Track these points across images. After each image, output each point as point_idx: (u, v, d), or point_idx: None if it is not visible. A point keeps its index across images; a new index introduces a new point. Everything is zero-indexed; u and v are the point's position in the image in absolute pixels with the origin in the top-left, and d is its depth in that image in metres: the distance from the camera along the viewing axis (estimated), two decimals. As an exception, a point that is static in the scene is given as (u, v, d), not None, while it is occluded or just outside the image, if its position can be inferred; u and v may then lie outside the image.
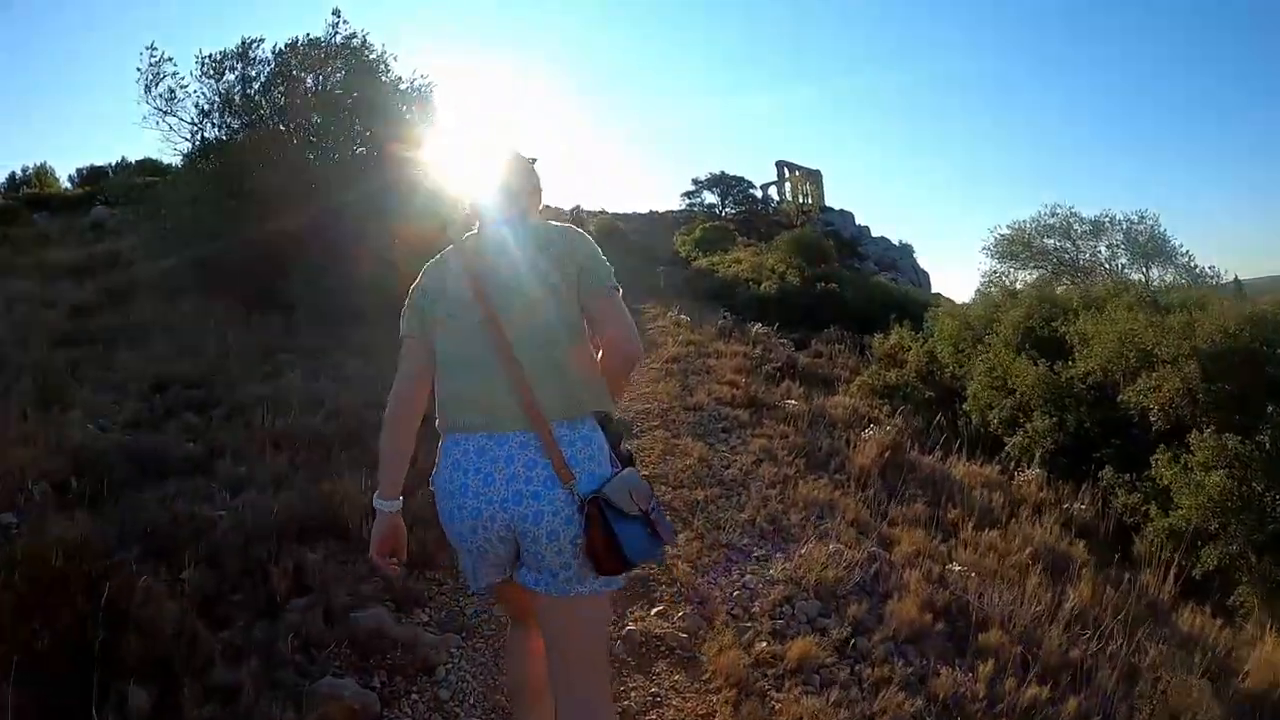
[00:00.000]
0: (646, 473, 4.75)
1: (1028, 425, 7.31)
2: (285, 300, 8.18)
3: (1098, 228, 16.30)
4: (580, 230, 1.79)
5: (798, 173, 53.04)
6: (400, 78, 10.24)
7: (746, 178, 49.88)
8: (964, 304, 11.43)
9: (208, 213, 8.77)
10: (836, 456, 5.55)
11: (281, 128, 9.41)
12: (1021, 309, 8.90)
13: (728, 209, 47.63)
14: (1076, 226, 16.38)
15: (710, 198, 48.51)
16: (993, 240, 16.63)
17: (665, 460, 5.26)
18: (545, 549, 1.57)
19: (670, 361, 8.38)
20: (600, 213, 32.82)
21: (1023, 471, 6.63)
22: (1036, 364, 7.56)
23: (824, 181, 54.13)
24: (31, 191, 18.78)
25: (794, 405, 6.87)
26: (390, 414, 1.73)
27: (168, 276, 8.79)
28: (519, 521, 1.56)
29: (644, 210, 42.43)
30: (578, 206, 32.12)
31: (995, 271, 16.50)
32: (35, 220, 15.09)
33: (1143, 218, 16.50)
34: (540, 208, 1.91)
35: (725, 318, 11.67)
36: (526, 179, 1.84)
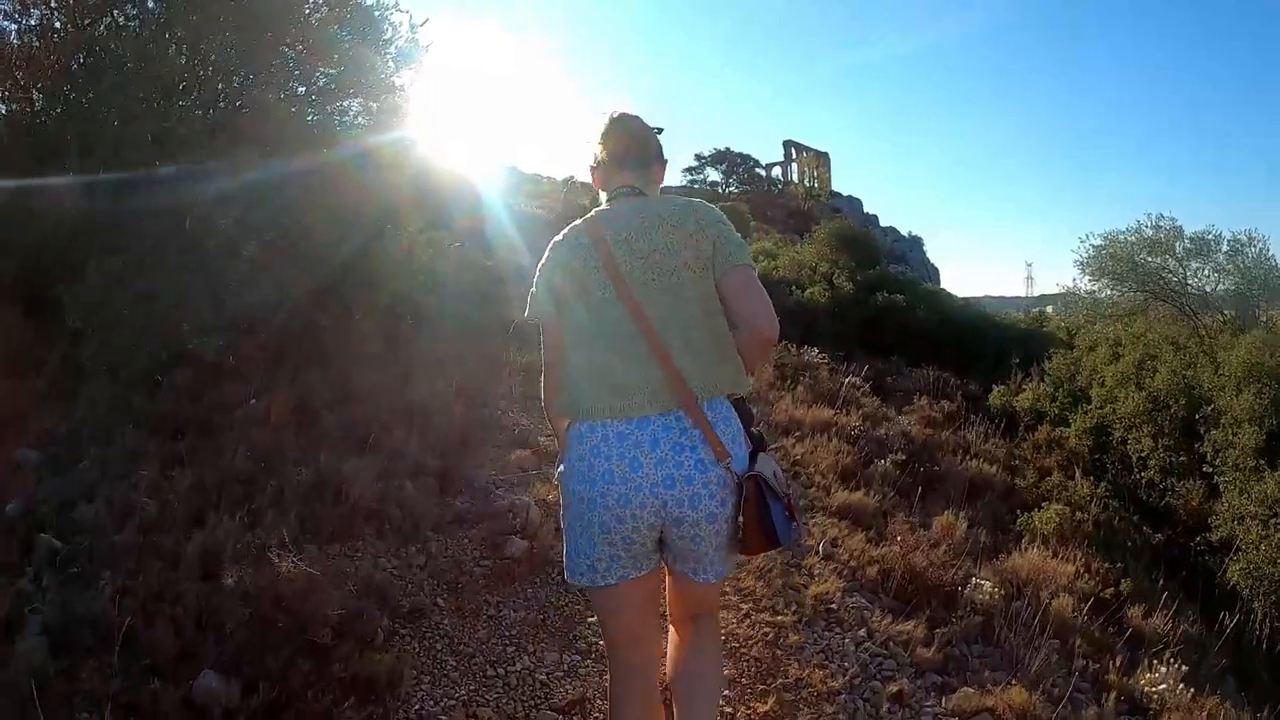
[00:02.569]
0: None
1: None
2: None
3: (1201, 246, 13.40)
4: (710, 205, 1.71)
5: (806, 154, 50.30)
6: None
7: (753, 155, 46.91)
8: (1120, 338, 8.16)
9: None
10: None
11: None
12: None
13: (731, 187, 44.80)
14: (1178, 244, 13.54)
15: (714, 175, 45.60)
16: (1085, 253, 13.61)
17: None
18: (704, 532, 1.53)
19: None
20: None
21: None
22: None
23: (831, 165, 51.64)
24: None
25: (986, 594, 3.61)
26: (549, 402, 1.71)
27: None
28: (674, 506, 1.51)
29: (641, 183, 38.67)
30: (571, 177, 28.86)
31: (1091, 291, 13.59)
32: None
33: (1251, 238, 13.66)
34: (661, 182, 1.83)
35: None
36: (654, 150, 1.79)
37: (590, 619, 3.09)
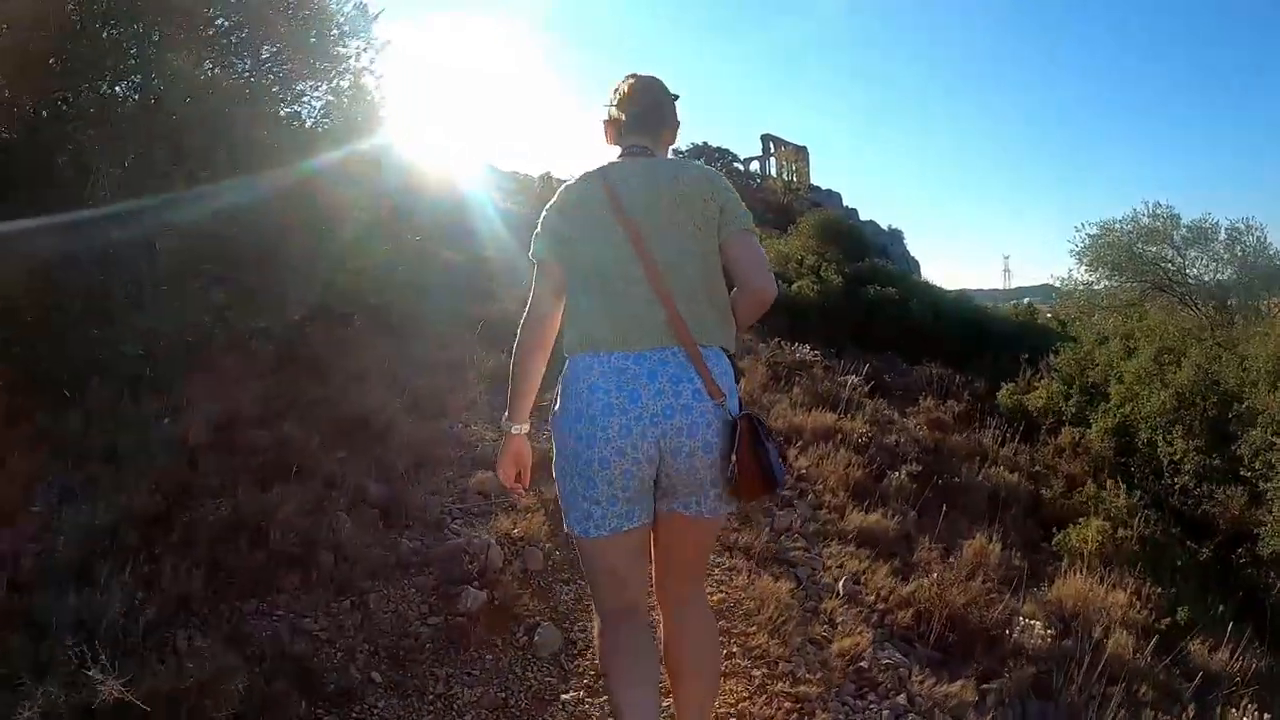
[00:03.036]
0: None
1: None
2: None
3: (1199, 234, 13.05)
4: (720, 174, 1.76)
5: (784, 148, 49.92)
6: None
7: (731, 150, 46.48)
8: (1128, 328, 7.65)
9: None
10: None
11: None
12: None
13: (710, 182, 44.27)
14: (1175, 233, 13.20)
15: (692, 170, 44.97)
16: (1081, 242, 13.16)
17: None
18: (699, 462, 1.54)
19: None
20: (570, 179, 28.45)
21: None
22: None
23: (810, 159, 51.31)
24: None
25: (1038, 637, 3.05)
26: (525, 339, 1.72)
27: None
28: (673, 435, 1.52)
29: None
30: (547, 173, 28.03)
31: (1086, 283, 13.14)
32: None
33: (1249, 226, 13.33)
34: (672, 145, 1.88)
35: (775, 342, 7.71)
36: (670, 113, 1.83)
37: (565, 695, 2.46)
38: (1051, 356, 8.78)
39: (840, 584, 3.16)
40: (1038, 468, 5.65)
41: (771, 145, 49.93)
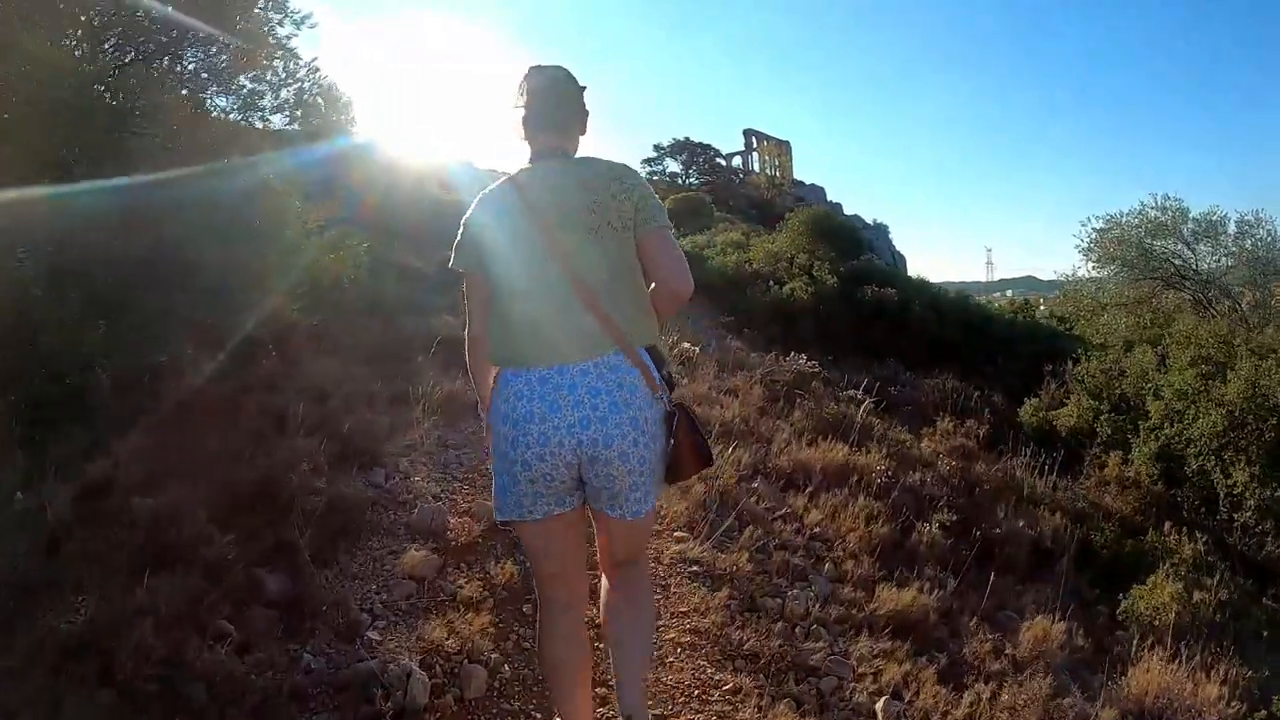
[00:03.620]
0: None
1: None
2: None
3: (1209, 228, 12.46)
4: (632, 168, 1.75)
5: (767, 142, 49.37)
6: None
7: (713, 145, 45.80)
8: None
9: None
10: None
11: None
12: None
13: (692, 178, 43.66)
14: (1184, 227, 12.62)
15: (673, 166, 44.34)
16: (1089, 238, 12.51)
17: None
18: (616, 470, 1.59)
19: (704, 509, 3.61)
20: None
21: None
22: None
23: (793, 153, 50.87)
24: None
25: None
26: (473, 353, 1.76)
27: None
28: (588, 446, 1.57)
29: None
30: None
31: (1095, 280, 12.49)
32: None
33: (1259, 219, 12.73)
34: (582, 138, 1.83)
35: (784, 355, 6.96)
36: (579, 109, 1.79)
37: None
38: (1071, 364, 8.09)
39: (880, 706, 2.40)
40: (1081, 504, 4.93)
41: (754, 140, 49.39)
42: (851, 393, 6.91)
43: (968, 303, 11.56)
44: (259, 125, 5.34)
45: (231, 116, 5.76)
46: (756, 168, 48.06)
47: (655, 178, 39.68)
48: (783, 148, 49.44)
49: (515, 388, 1.60)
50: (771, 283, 10.26)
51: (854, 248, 12.63)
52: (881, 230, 47.37)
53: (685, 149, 44.60)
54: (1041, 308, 21.48)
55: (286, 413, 3.92)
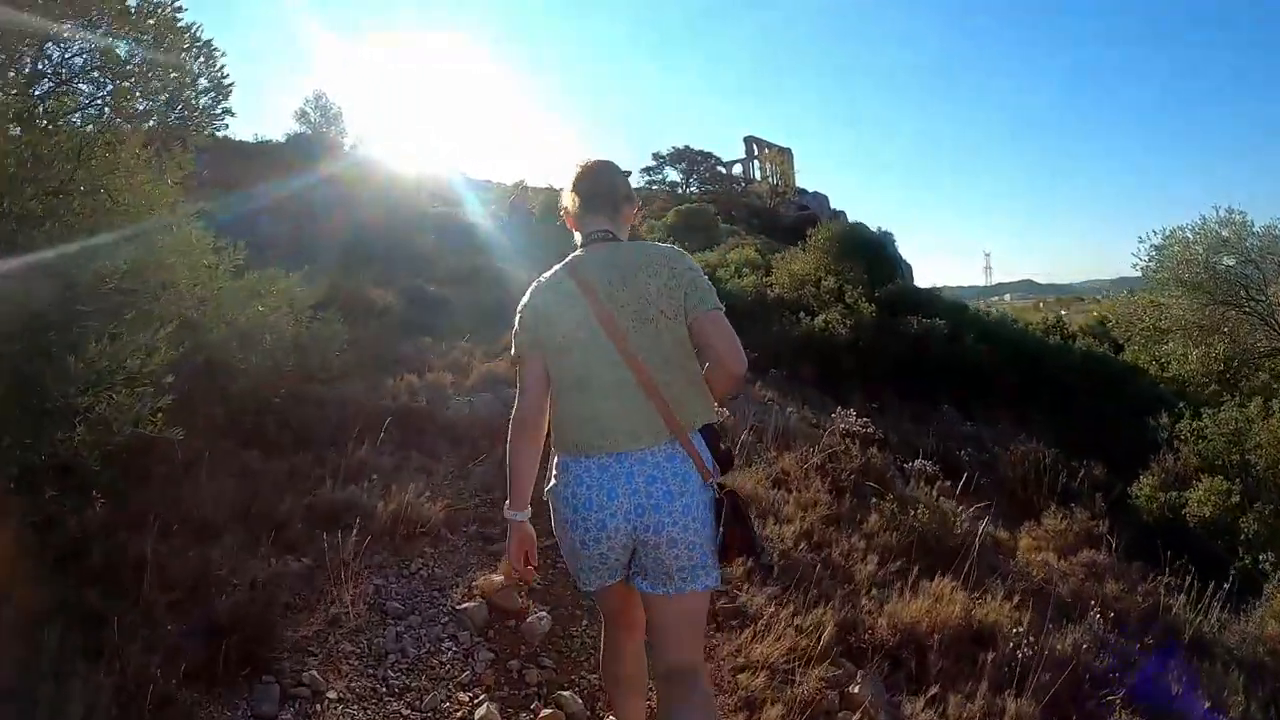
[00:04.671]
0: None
1: None
2: None
3: (1274, 243, 11.07)
4: (682, 252, 1.80)
5: (768, 150, 48.17)
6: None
7: (714, 153, 44.60)
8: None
9: None
10: None
11: None
12: None
13: (692, 187, 42.43)
14: (1250, 242, 11.21)
15: (673, 174, 43.13)
16: (1147, 255, 11.13)
17: None
18: (665, 554, 1.64)
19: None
20: (547, 189, 26.29)
21: None
22: None
23: (794, 161, 49.65)
24: None
25: None
26: (518, 435, 1.75)
27: None
28: (640, 532, 1.64)
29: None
30: (521, 181, 25.87)
31: (1156, 304, 11.14)
32: None
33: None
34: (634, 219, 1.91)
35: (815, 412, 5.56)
36: (624, 192, 1.86)
37: None
38: (1166, 418, 6.73)
39: None
40: (1266, 655, 3.52)
41: (755, 148, 48.18)
42: (921, 466, 5.51)
43: (1021, 333, 10.15)
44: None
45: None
46: (758, 176, 46.86)
47: (654, 187, 38.44)
48: (785, 155, 48.22)
49: (575, 473, 1.67)
50: (801, 313, 8.85)
51: (885, 268, 11.22)
52: (887, 238, 46.04)
53: (685, 157, 43.41)
54: (1062, 313, 20.13)
55: (124, 585, 2.50)
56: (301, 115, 18.71)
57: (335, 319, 4.86)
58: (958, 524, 3.99)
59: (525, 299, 1.78)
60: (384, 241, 11.09)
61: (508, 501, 1.77)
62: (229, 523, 3.16)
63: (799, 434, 5.50)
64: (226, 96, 4.29)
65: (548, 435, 1.78)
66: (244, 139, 18.33)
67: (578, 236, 1.84)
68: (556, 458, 1.73)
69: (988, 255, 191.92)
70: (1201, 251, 10.73)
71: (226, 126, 4.47)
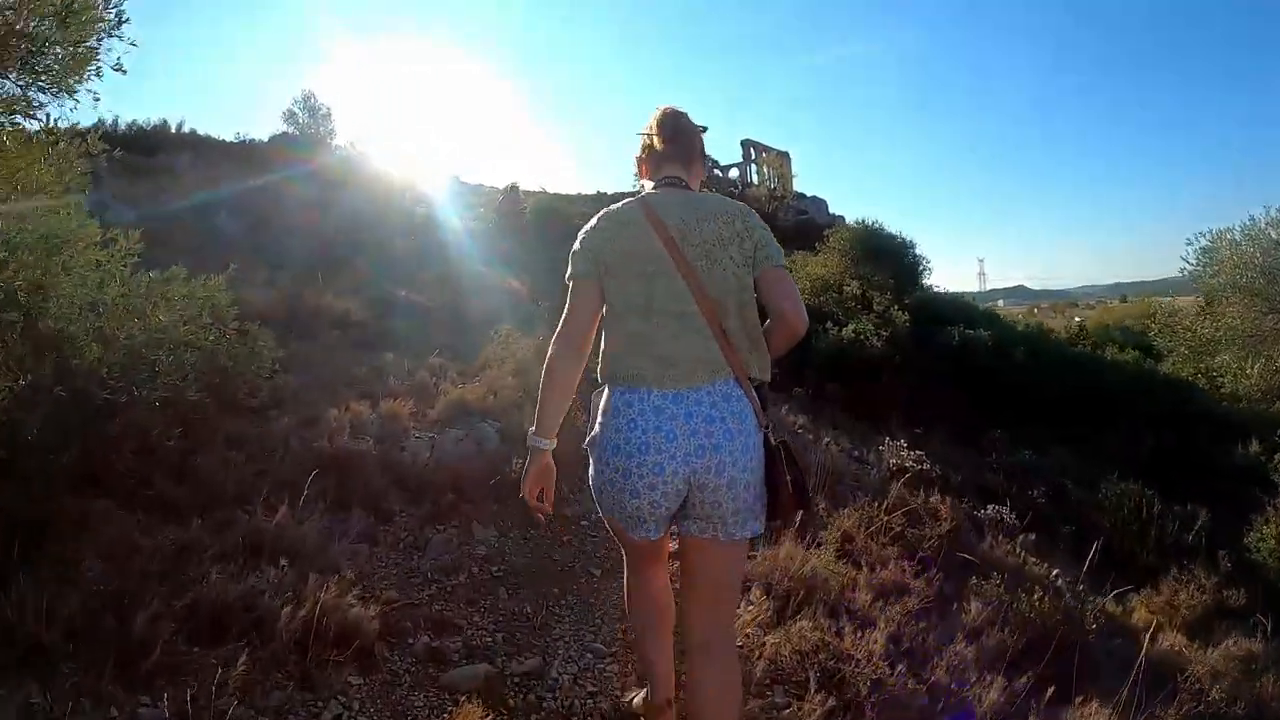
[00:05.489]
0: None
1: None
2: None
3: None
4: (750, 209, 1.74)
5: (767, 153, 47.35)
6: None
7: (712, 156, 43.71)
8: None
9: None
10: None
11: None
12: None
13: (690, 190, 41.46)
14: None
15: (670, 177, 42.15)
16: (1196, 259, 10.17)
17: None
18: (724, 497, 1.57)
19: None
20: (540, 192, 25.27)
21: None
22: None
23: (792, 164, 48.81)
24: None
25: None
26: (559, 355, 1.66)
27: None
28: (701, 473, 1.56)
29: (590, 191, 34.69)
30: (513, 184, 24.80)
31: (1210, 311, 10.18)
32: None
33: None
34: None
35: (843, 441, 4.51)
36: (699, 147, 1.84)
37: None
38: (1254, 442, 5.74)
39: None
40: None
41: (753, 151, 47.35)
42: (997, 514, 4.47)
43: (1073, 350, 9.11)
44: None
45: None
46: (756, 180, 45.95)
47: (651, 190, 37.62)
48: (783, 158, 47.38)
49: (630, 414, 1.58)
50: (828, 323, 7.81)
51: (909, 273, 10.18)
52: (909, 242, 45.26)
53: (682, 160, 42.45)
54: (1079, 322, 19.09)
55: None
56: (290, 115, 17.99)
57: (264, 333, 3.79)
58: (1089, 614, 2.94)
59: (591, 223, 1.73)
60: (360, 244, 10.05)
61: (533, 427, 1.68)
62: (65, 642, 2.11)
63: (846, 474, 4.45)
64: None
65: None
66: (226, 138, 17.53)
67: (647, 184, 1.82)
68: (604, 396, 1.66)
69: (981, 261, 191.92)
70: (1258, 254, 9.81)
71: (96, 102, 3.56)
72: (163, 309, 3.35)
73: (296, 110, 18.07)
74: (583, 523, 3.44)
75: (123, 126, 15.08)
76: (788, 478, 1.59)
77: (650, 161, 1.81)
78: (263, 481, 3.21)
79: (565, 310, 1.68)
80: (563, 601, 2.84)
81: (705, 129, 1.88)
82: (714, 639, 1.68)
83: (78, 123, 3.77)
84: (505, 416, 3.92)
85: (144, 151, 13.03)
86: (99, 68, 3.69)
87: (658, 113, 1.84)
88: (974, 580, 3.14)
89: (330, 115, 18.23)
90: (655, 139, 1.80)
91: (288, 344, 5.02)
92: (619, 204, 1.73)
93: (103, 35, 3.58)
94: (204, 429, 3.48)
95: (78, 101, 3.63)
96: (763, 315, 1.69)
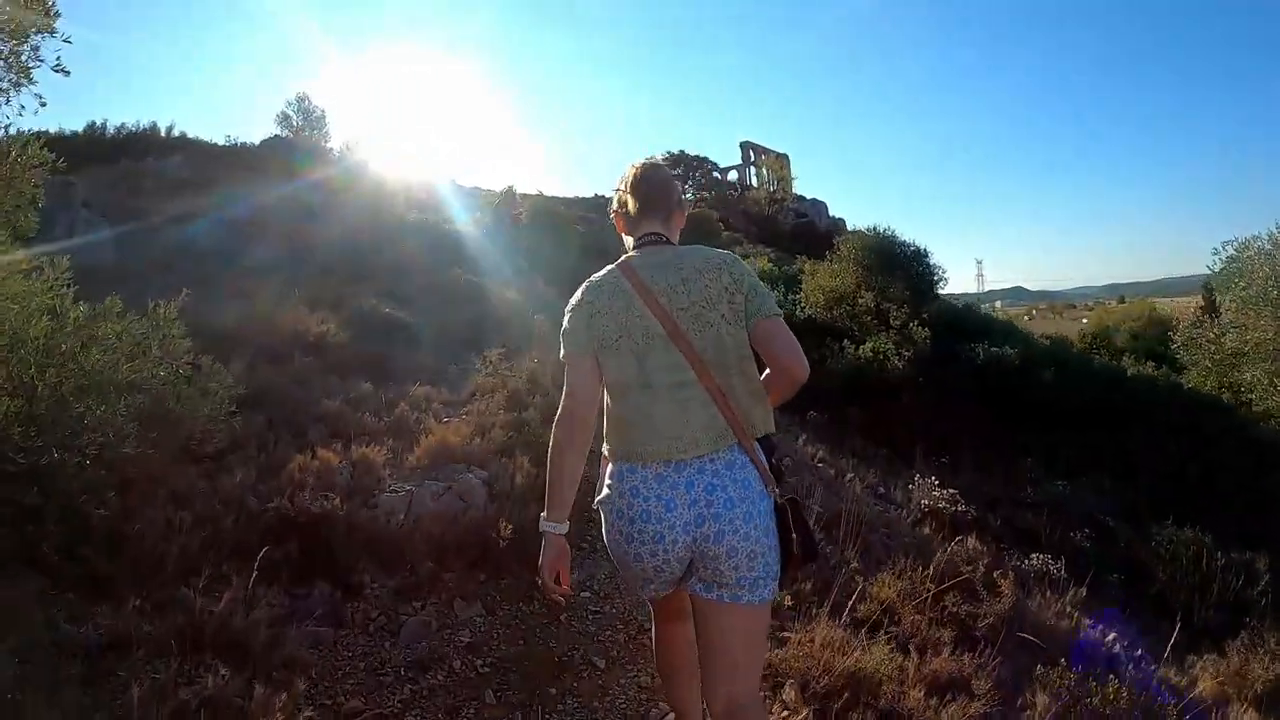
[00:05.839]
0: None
1: None
2: None
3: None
4: (738, 258, 1.71)
5: (766, 155, 46.90)
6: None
7: (710, 158, 43.24)
8: None
9: None
10: None
11: None
12: None
13: (689, 193, 41.07)
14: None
15: (669, 180, 41.72)
16: (1224, 268, 9.75)
17: None
18: (724, 565, 1.55)
19: None
20: (537, 195, 24.80)
21: None
22: None
23: (791, 166, 48.36)
24: None
25: None
26: (564, 437, 1.63)
27: None
28: (700, 542, 1.55)
29: (588, 194, 34.22)
30: (510, 187, 24.32)
31: (1236, 325, 9.76)
32: None
33: None
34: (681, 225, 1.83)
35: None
36: (676, 198, 1.79)
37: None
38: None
39: None
40: None
41: (751, 153, 46.88)
42: (1041, 564, 4.02)
43: (1097, 364, 8.65)
44: None
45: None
46: (755, 182, 45.49)
47: (650, 193, 37.24)
48: (782, 161, 46.93)
49: (632, 483, 1.57)
50: (845, 340, 7.35)
51: (924, 283, 9.72)
52: (923, 250, 44.84)
53: (680, 163, 42.00)
54: (1069, 319, 18.75)
55: None
56: (283, 119, 17.53)
57: (218, 370, 3.32)
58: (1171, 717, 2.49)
59: (576, 297, 1.68)
60: (347, 251, 9.57)
61: (544, 512, 1.66)
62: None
63: (875, 520, 3.99)
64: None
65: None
66: (216, 141, 17.00)
67: (628, 240, 1.77)
68: (610, 465, 1.65)
69: (979, 263, 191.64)
70: (1282, 265, 9.39)
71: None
72: (94, 350, 2.89)
73: (290, 113, 17.62)
74: (583, 593, 2.98)
75: (111, 130, 14.64)
76: (794, 536, 1.55)
77: (627, 220, 1.76)
78: (211, 550, 2.75)
79: (564, 389, 1.64)
80: (560, 706, 2.38)
81: (678, 173, 1.56)
82: (736, 709, 1.62)
83: (24, 129, 3.37)
84: (493, 465, 3.46)
85: (133, 155, 12.60)
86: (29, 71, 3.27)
87: (630, 172, 1.77)
88: (1039, 668, 2.68)
89: (325, 118, 17.81)
90: (629, 195, 1.74)
91: (255, 370, 4.56)
92: (601, 272, 1.69)
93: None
94: (146, 484, 3.02)
95: (23, 106, 3.24)
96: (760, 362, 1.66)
